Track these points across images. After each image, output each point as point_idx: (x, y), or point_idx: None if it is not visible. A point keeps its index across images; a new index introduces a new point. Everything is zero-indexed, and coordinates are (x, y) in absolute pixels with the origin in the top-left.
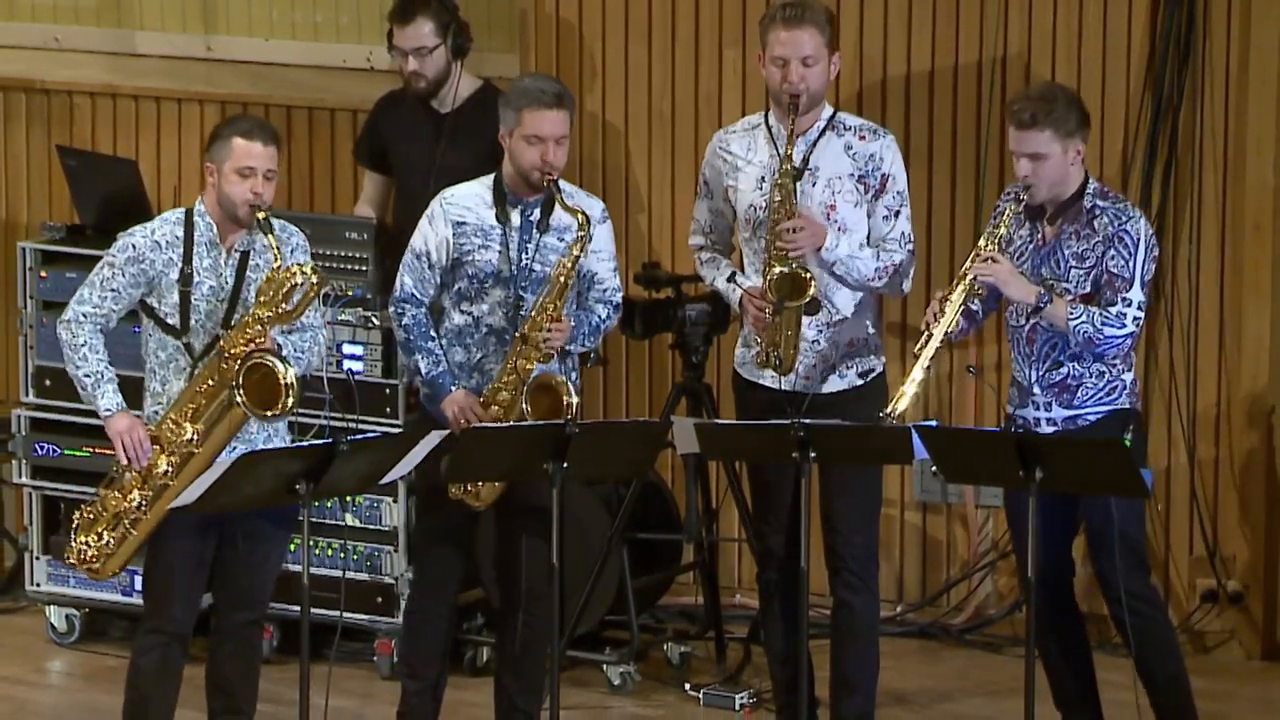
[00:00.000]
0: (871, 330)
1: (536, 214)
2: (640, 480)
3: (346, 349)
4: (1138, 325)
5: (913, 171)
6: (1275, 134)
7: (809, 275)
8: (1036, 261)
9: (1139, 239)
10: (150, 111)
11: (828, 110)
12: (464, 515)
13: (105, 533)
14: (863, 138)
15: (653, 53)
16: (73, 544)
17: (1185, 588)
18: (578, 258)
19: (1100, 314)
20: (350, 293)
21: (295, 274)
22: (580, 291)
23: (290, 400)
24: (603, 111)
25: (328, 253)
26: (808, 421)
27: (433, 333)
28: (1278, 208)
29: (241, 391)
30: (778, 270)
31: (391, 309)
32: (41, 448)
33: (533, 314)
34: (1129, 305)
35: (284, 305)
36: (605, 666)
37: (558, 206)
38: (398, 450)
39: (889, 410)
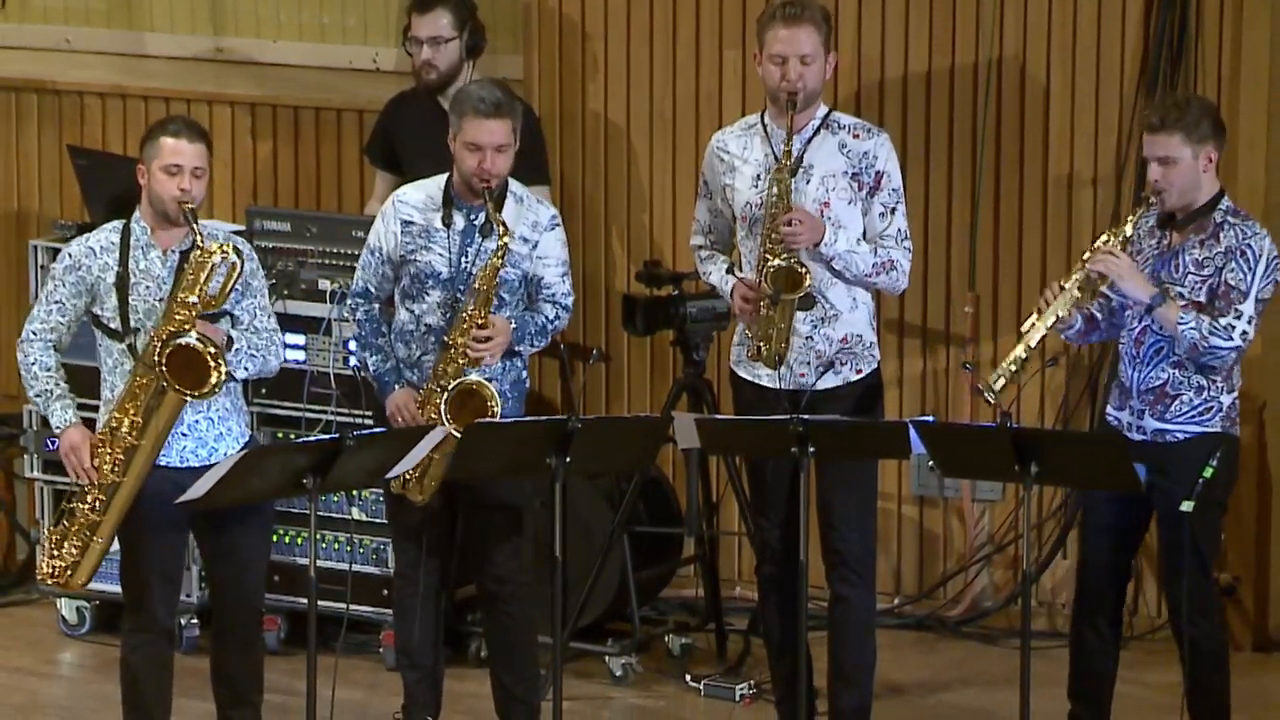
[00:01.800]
0: (868, 327)
1: (480, 218)
2: (642, 475)
3: (353, 345)
4: (1245, 341)
5: (909, 171)
6: (1266, 135)
7: (805, 270)
8: (1158, 266)
9: (1261, 255)
10: (160, 112)
11: (822, 109)
12: (436, 510)
13: (66, 543)
14: (856, 136)
15: (654, 53)
16: (44, 561)
17: None
18: (498, 268)
19: (1210, 324)
20: None
21: (215, 253)
22: (529, 294)
23: (223, 369)
24: (605, 110)
25: (335, 250)
26: (806, 417)
27: (383, 329)
28: (1269, 207)
29: (165, 369)
30: (775, 263)
31: (347, 302)
32: (53, 443)
33: (458, 319)
34: (1239, 319)
35: (206, 288)
36: (607, 658)
37: (488, 206)
38: (403, 445)
39: (985, 387)
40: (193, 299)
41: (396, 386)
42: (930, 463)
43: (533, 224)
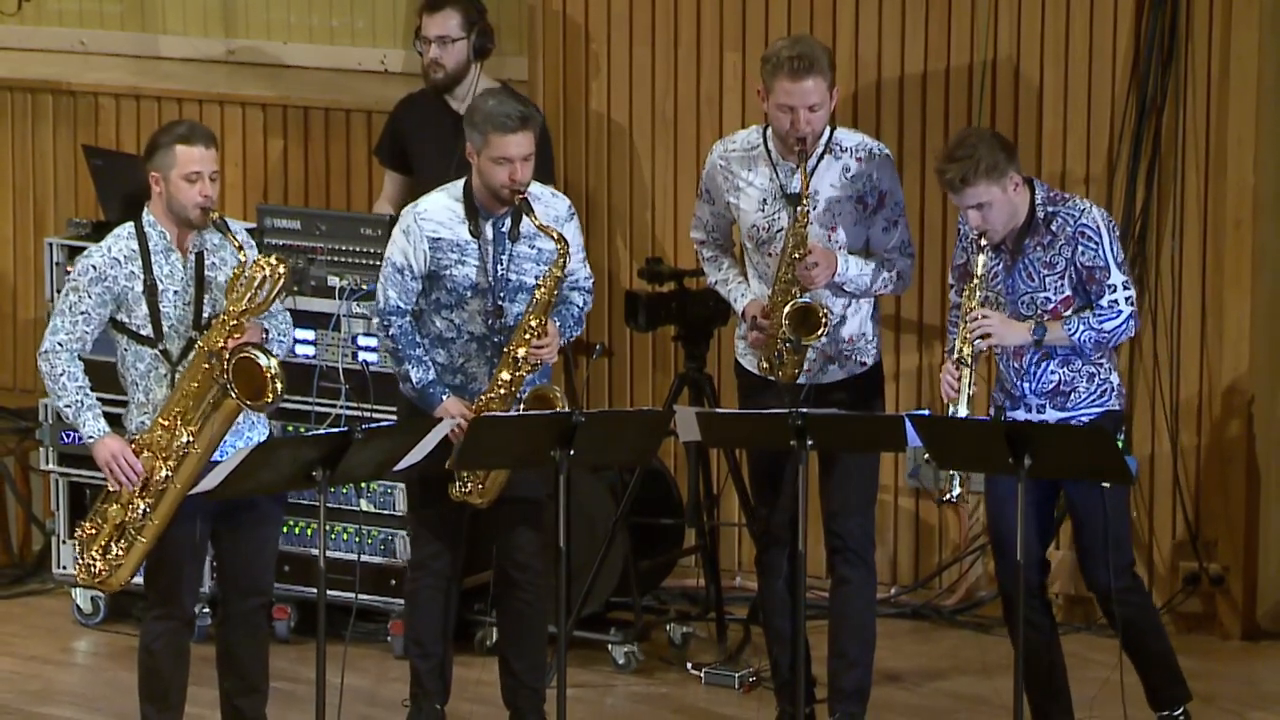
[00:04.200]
0: (869, 322)
1: (507, 224)
2: (644, 467)
3: (361, 340)
4: (1132, 305)
5: (905, 172)
6: (1255, 134)
7: (824, 314)
8: (1010, 281)
9: (1098, 226)
10: (173, 112)
11: (825, 131)
12: (456, 504)
13: (113, 545)
14: (859, 159)
15: (656, 55)
16: (80, 562)
17: (1168, 571)
18: (560, 279)
19: (1093, 315)
20: (365, 286)
21: (263, 267)
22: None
23: (279, 387)
24: (608, 111)
25: (344, 248)
26: (805, 410)
27: (418, 339)
28: (1257, 205)
29: (233, 386)
30: (793, 305)
31: (377, 321)
32: (68, 436)
33: (520, 332)
34: (1116, 291)
35: (256, 298)
36: (610, 646)
37: (526, 217)
38: (410, 438)
39: (948, 496)
40: (241, 309)
41: (444, 395)
42: (926, 455)
43: (554, 218)
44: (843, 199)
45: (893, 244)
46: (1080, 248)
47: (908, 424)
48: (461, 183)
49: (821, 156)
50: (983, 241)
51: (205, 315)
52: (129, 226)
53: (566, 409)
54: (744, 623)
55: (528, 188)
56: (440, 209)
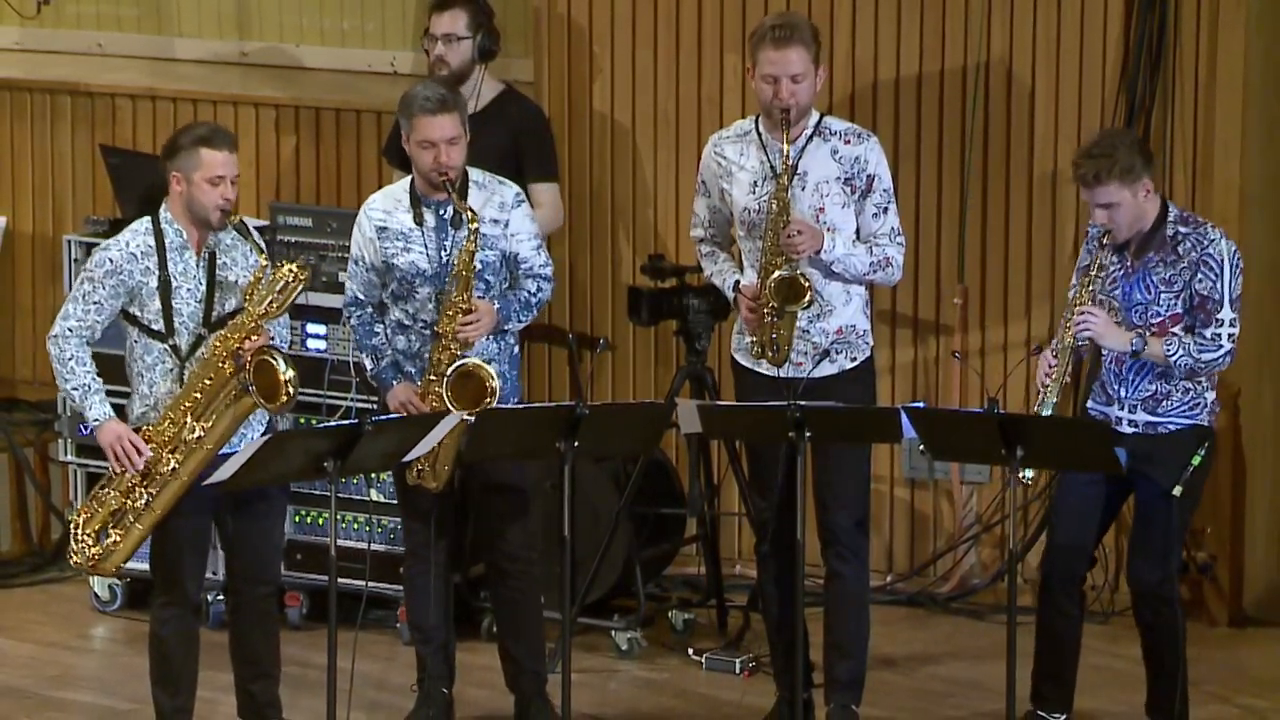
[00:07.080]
0: (862, 316)
1: (449, 211)
2: (646, 458)
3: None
4: (1233, 342)
5: (901, 169)
6: (1241, 136)
7: (807, 283)
8: (1128, 288)
9: (1223, 259)
10: (188, 113)
11: (814, 116)
12: (445, 491)
13: (110, 530)
14: (848, 141)
15: (658, 57)
16: (74, 544)
17: None
18: (473, 252)
19: (1195, 343)
20: None
21: (287, 274)
22: (510, 272)
23: (292, 392)
24: (611, 112)
25: None
26: (803, 404)
27: (376, 329)
28: (1243, 205)
29: (254, 386)
30: (777, 275)
31: (344, 313)
32: (85, 428)
33: (444, 308)
34: (1222, 326)
35: (276, 303)
36: (614, 633)
37: (450, 198)
38: (419, 430)
39: (1020, 479)
40: (262, 311)
41: (394, 383)
42: (921, 447)
43: (500, 204)
44: (830, 180)
45: (881, 230)
46: (1200, 275)
47: (903, 416)
48: (410, 176)
49: (811, 138)
50: (1105, 240)
51: (215, 314)
52: (146, 222)
53: (495, 382)
54: (744, 610)
55: (456, 170)
56: (386, 199)
